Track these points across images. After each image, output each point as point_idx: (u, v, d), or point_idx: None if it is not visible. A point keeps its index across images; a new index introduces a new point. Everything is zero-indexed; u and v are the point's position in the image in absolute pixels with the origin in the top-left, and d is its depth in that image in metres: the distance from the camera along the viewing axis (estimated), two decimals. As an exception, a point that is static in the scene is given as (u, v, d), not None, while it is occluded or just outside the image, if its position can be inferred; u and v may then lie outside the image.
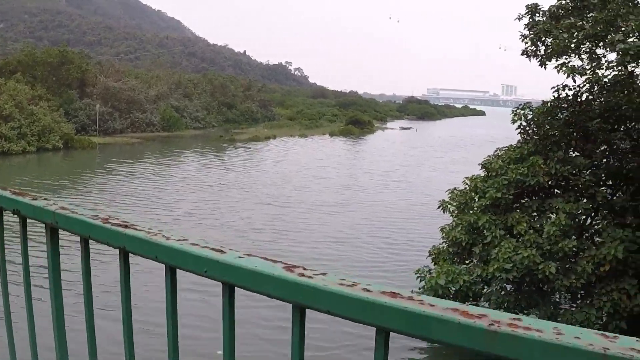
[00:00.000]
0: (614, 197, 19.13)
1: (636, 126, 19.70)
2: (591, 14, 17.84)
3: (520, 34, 20.28)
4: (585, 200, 18.81)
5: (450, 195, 25.59)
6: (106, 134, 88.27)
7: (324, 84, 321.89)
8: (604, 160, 19.71)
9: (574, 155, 20.26)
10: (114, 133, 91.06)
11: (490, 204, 19.58)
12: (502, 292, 18.27)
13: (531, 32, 19.90)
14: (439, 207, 25.78)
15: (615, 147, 19.48)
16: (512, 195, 19.59)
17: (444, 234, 23.23)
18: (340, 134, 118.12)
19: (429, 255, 22.79)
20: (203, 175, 60.23)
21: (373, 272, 29.87)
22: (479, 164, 24.59)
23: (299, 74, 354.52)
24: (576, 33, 17.48)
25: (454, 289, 18.61)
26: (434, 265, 23.03)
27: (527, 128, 21.63)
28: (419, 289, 19.91)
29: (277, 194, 51.27)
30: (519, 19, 20.54)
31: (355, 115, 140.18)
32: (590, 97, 21.25)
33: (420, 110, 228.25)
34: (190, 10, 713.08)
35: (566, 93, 21.39)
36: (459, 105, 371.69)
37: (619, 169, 19.64)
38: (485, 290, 19.37)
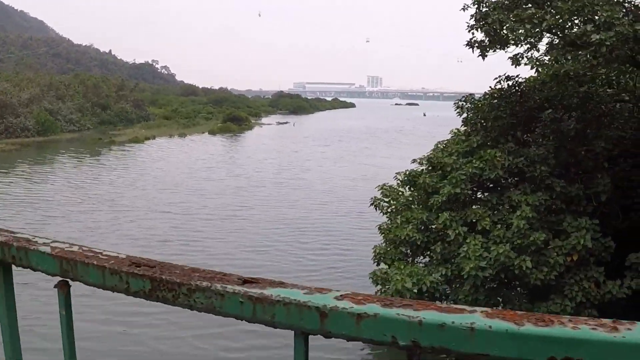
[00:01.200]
0: (568, 187, 19.13)
1: (583, 115, 19.89)
2: (548, 4, 17.63)
3: (467, 24, 20.01)
4: (541, 192, 18.71)
5: (381, 191, 25.16)
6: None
7: (191, 82, 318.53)
8: (555, 150, 19.66)
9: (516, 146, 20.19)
10: None
11: (447, 200, 19.09)
12: (473, 291, 17.77)
13: (478, 24, 19.61)
14: (371, 204, 25.27)
15: (566, 136, 19.50)
16: (470, 190, 19.26)
17: (385, 233, 22.71)
18: (219, 132, 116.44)
19: (374, 257, 22.07)
20: (89, 182, 56.35)
21: (310, 281, 28.72)
22: (415, 159, 24.27)
23: (166, 72, 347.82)
24: (537, 24, 17.21)
25: (415, 290, 17.97)
26: (378, 266, 22.48)
27: (472, 120, 21.41)
28: (379, 293, 19.17)
29: (173, 199, 48.52)
30: (464, 9, 20.28)
31: (233, 112, 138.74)
32: (528, 88, 21.34)
33: (293, 104, 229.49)
34: (53, 10, 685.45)
35: (508, 84, 21.37)
36: (329, 98, 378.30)
37: (569, 158, 19.73)
38: (448, 290, 19.00)
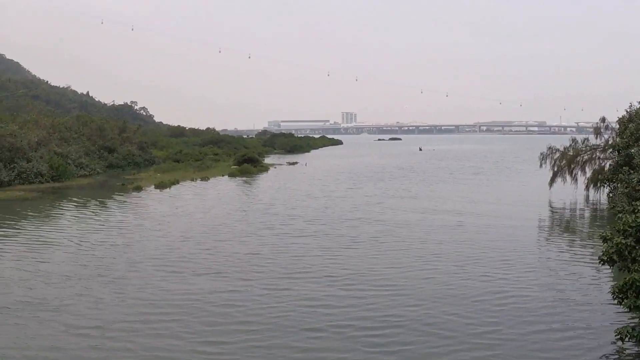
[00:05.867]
0: None
1: None
2: None
3: None
4: None
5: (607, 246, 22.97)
6: (-9, 187, 72.87)
7: (168, 122, 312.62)
8: None
9: None
10: (1, 186, 76.68)
11: None
12: None
13: None
14: (601, 262, 23.33)
15: None
16: None
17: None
18: (239, 174, 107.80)
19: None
20: (157, 236, 44.81)
21: None
22: None
23: (145, 113, 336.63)
24: None
25: None
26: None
27: None
28: None
29: (276, 262, 37.02)
30: None
31: (247, 153, 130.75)
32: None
33: (289, 143, 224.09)
34: (29, 52, 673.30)
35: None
36: (317, 136, 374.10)
37: None
38: None
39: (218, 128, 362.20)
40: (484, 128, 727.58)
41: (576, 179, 74.31)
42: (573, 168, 74.94)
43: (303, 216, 57.50)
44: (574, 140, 76.91)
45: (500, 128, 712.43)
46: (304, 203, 67.83)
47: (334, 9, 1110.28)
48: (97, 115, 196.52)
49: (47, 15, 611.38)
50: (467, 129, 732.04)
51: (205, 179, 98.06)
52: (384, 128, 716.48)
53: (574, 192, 72.18)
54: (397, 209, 61.63)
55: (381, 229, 49.84)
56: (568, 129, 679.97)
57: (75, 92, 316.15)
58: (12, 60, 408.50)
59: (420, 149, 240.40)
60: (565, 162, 75.38)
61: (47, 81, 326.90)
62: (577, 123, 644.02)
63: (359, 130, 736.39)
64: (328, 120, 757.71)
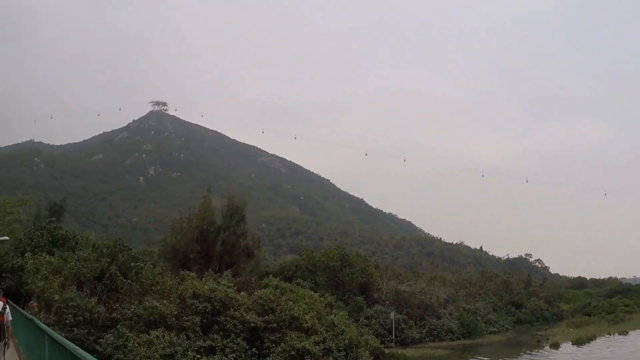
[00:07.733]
0: None
1: None
2: None
3: None
4: None
5: None
6: (403, 345, 74.40)
7: (564, 273, 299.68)
8: None
9: None
10: (412, 343, 76.89)
11: None
12: None
13: None
14: None
15: None
16: None
17: None
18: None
19: None
20: None
21: None
22: None
23: (540, 265, 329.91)
24: None
25: None
26: None
27: None
28: None
29: None
30: None
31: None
32: None
33: None
34: (420, 213, 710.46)
35: None
36: None
37: None
38: None
39: (618, 276, 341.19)
40: None
41: None
42: None
43: None
44: None
45: None
46: None
47: None
48: (491, 270, 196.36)
49: (422, 180, 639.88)
50: None
51: (623, 333, 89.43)
52: None
53: None
54: None
55: None
56: None
57: (468, 247, 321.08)
58: (404, 219, 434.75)
59: None
60: None
61: (440, 238, 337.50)
62: None
63: None
64: None
